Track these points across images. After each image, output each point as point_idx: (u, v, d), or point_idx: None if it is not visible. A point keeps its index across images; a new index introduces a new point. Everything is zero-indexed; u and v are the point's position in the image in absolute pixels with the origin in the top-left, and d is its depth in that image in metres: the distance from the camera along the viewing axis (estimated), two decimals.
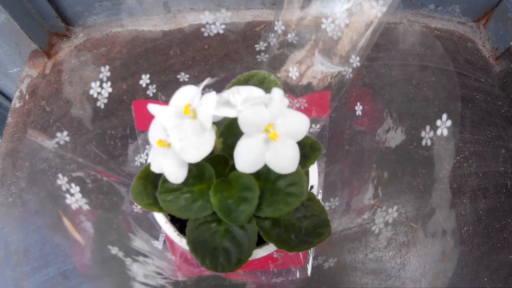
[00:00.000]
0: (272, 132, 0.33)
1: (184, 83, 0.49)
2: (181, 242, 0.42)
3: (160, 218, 0.42)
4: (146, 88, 0.51)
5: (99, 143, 0.58)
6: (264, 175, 0.39)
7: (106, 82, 0.45)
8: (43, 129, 0.61)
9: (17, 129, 0.64)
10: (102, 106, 0.45)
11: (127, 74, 0.62)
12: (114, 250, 0.43)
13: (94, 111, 0.60)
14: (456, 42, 0.77)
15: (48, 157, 0.54)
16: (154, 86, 0.50)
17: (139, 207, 0.42)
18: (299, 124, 0.35)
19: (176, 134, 0.32)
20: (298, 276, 0.51)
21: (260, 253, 0.42)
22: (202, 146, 0.32)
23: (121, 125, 0.59)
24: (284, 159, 0.35)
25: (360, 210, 0.54)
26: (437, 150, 0.61)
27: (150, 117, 0.52)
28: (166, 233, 0.41)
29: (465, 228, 0.57)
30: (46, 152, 0.53)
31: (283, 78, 0.47)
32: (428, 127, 0.62)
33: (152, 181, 0.40)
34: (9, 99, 0.84)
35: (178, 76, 0.52)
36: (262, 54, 0.48)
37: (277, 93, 0.33)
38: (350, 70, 0.45)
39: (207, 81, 0.33)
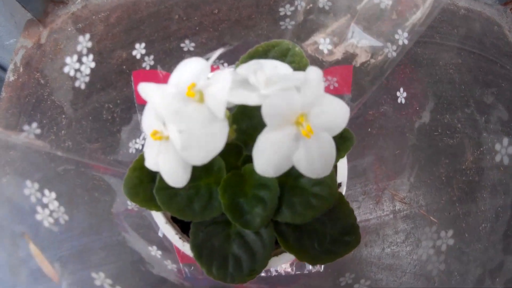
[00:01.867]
0: (306, 126, 0.22)
1: (189, 53, 0.37)
2: (184, 246, 0.32)
3: (159, 218, 0.32)
4: (142, 59, 0.39)
5: (95, 118, 0.47)
6: None
7: (87, 55, 0.33)
8: (37, 103, 0.50)
9: (11, 105, 0.52)
10: (83, 86, 0.34)
11: (127, 41, 0.50)
12: (99, 279, 0.33)
13: (91, 83, 0.48)
14: (483, 24, 0.64)
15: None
16: (152, 57, 0.38)
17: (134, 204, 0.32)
18: (338, 115, 0.24)
19: (176, 124, 0.21)
20: (311, 269, 0.42)
21: (276, 262, 0.32)
22: (211, 142, 0.21)
23: (120, 98, 0.47)
24: (318, 160, 0.24)
25: (380, 199, 0.45)
26: (461, 139, 0.51)
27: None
28: (166, 235, 0.31)
29: (483, 225, 0.48)
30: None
31: (311, 52, 0.35)
32: (456, 113, 0.51)
33: (150, 173, 0.29)
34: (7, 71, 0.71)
35: (182, 45, 0.40)
36: (288, 20, 0.35)
37: (314, 73, 0.22)
38: (395, 48, 0.33)
39: (218, 52, 0.22)
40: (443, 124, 0.49)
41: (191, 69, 0.23)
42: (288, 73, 0.24)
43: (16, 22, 0.59)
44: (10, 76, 0.54)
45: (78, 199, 0.39)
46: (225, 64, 0.38)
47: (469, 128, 0.50)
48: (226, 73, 0.20)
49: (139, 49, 0.39)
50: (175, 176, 0.23)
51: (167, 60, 0.47)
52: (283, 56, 0.31)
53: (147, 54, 0.39)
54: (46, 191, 0.34)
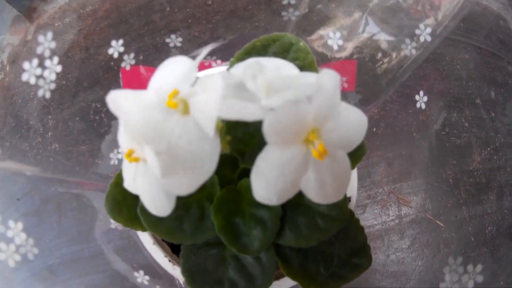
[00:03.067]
0: (318, 145, 0.16)
1: (176, 49, 0.31)
2: (174, 270, 0.27)
3: (146, 239, 0.26)
4: (120, 59, 0.33)
5: (82, 119, 0.41)
6: None
7: (51, 58, 0.27)
8: (23, 103, 0.44)
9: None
10: (47, 95, 0.28)
11: (116, 36, 0.44)
12: None
13: (78, 81, 0.42)
14: (489, 18, 0.58)
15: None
16: (132, 55, 0.32)
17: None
18: (356, 128, 0.19)
19: (154, 143, 0.15)
20: None
21: (278, 287, 0.27)
22: (198, 165, 0.16)
23: None
24: (331, 184, 0.18)
25: (385, 204, 0.40)
26: (468, 139, 0.45)
27: (140, 86, 0.33)
28: (154, 258, 0.26)
29: (489, 228, 0.43)
30: None
31: (317, 47, 0.29)
32: (464, 111, 0.46)
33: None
34: None
35: (168, 40, 0.34)
36: (291, 10, 0.29)
37: (330, 78, 0.16)
38: (415, 44, 0.27)
39: (208, 48, 0.16)
40: (450, 123, 0.43)
41: (173, 72, 0.17)
42: (295, 76, 0.18)
43: (4, 19, 0.52)
44: None
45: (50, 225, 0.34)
46: (218, 61, 0.32)
47: (476, 127, 0.45)
48: (217, 78, 0.14)
49: (116, 47, 0.33)
50: (157, 204, 0.17)
51: (157, 56, 0.41)
52: (285, 52, 0.25)
53: (131, 51, 0.33)
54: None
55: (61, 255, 0.40)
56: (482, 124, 0.45)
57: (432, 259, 0.42)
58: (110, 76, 0.41)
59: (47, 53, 0.28)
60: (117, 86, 0.41)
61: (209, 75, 0.15)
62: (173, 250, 0.28)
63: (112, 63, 0.42)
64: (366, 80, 0.31)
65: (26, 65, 0.35)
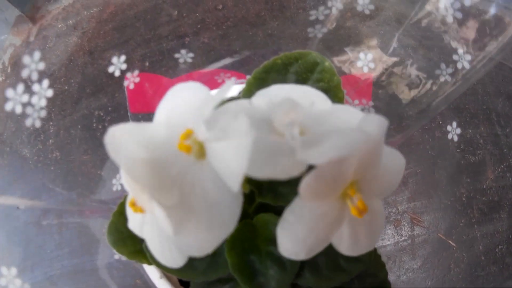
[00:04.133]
0: (357, 201, 0.13)
1: (186, 65, 0.27)
2: None
3: (152, 272, 0.23)
4: (122, 77, 0.29)
5: (85, 127, 0.37)
6: None
7: (40, 81, 0.24)
8: (24, 107, 0.40)
9: None
10: (37, 124, 0.24)
11: (120, 40, 0.40)
12: None
13: (80, 86, 0.38)
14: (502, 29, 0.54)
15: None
16: (136, 72, 0.28)
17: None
18: (395, 174, 0.16)
19: (163, 195, 0.12)
20: None
21: None
22: (217, 221, 0.12)
23: (112, 105, 0.38)
24: (365, 237, 0.15)
25: (398, 224, 0.37)
26: (483, 156, 0.42)
27: (147, 95, 0.29)
28: None
29: (499, 247, 0.40)
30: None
31: (344, 68, 0.25)
32: (479, 127, 0.42)
33: None
34: None
35: (177, 56, 0.30)
36: (318, 27, 0.25)
37: (377, 125, 0.13)
38: (450, 71, 0.24)
39: (230, 83, 0.12)
40: (466, 140, 0.40)
41: (185, 102, 0.14)
42: (327, 112, 0.15)
43: (7, 19, 0.48)
44: None
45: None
46: (233, 78, 0.29)
47: (491, 144, 0.42)
48: (244, 124, 0.11)
49: (117, 64, 0.29)
50: (167, 256, 0.14)
51: (163, 63, 0.37)
52: (308, 72, 0.21)
53: (135, 66, 0.29)
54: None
55: (62, 267, 0.37)
56: (497, 141, 0.42)
57: (442, 279, 0.39)
58: (114, 82, 0.38)
59: (34, 76, 0.25)
60: (121, 93, 0.37)
61: (231, 112, 0.12)
62: (182, 282, 0.25)
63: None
64: (392, 106, 0.27)
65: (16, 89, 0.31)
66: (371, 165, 0.14)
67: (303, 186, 0.11)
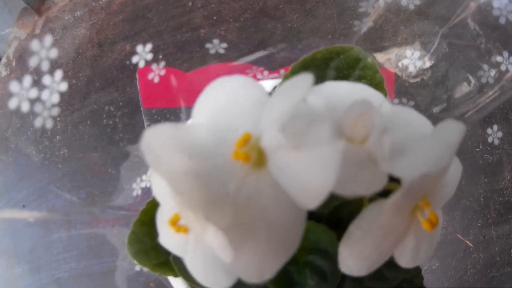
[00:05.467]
0: (429, 214, 0.11)
1: (215, 57, 0.25)
2: None
3: (178, 285, 0.21)
4: (148, 68, 0.27)
5: (94, 123, 0.35)
6: (345, 223, 0.18)
7: (51, 72, 0.21)
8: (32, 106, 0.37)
9: (2, 104, 0.39)
10: (49, 125, 0.22)
11: (132, 32, 0.37)
12: None
13: (89, 80, 0.36)
14: None
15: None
16: (163, 63, 0.26)
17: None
18: (455, 181, 0.14)
19: (216, 215, 0.10)
20: None
21: None
22: (279, 241, 0.10)
23: (123, 100, 0.35)
24: (426, 250, 0.13)
25: None
26: (500, 156, 0.41)
27: (160, 90, 0.28)
28: None
29: None
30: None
31: (388, 66, 0.23)
32: (497, 127, 0.41)
33: None
34: None
35: (208, 46, 0.27)
36: (364, 20, 0.23)
37: (455, 132, 0.11)
38: (493, 73, 0.22)
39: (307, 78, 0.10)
40: (484, 140, 0.38)
41: (235, 101, 0.12)
42: (389, 114, 0.13)
43: (11, 11, 0.45)
44: (2, 71, 0.41)
45: None
46: (265, 72, 0.26)
47: (508, 144, 0.40)
48: (326, 128, 0.09)
49: (142, 54, 0.26)
50: (211, 280, 0.12)
51: (178, 55, 0.35)
52: (350, 68, 0.19)
53: (156, 60, 0.27)
54: None
55: (70, 269, 0.35)
56: None
57: (459, 279, 0.38)
58: (125, 76, 0.35)
59: (45, 67, 0.22)
60: (133, 88, 0.35)
61: (305, 116, 0.10)
62: None
63: (127, 62, 0.35)
64: (432, 107, 0.25)
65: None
66: (443, 176, 0.12)
67: (392, 203, 0.09)
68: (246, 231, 0.10)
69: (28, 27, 0.42)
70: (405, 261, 0.13)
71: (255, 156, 0.11)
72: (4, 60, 0.43)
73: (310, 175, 0.09)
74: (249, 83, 0.12)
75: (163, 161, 0.11)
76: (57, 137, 0.36)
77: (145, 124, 0.34)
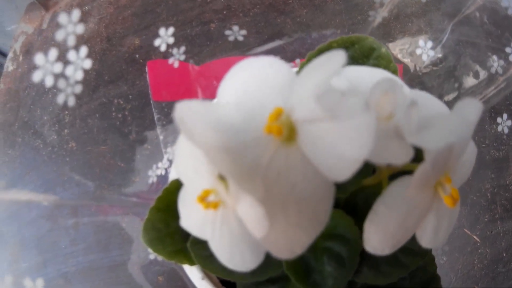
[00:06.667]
0: (450, 190, 0.12)
1: (233, 44, 0.26)
2: None
3: (193, 273, 0.21)
4: (167, 52, 0.27)
5: (103, 116, 0.35)
6: (361, 209, 0.19)
7: (77, 48, 0.22)
8: (37, 96, 0.37)
9: (9, 98, 0.40)
10: (71, 102, 0.22)
11: (141, 26, 0.38)
12: None
13: (98, 74, 0.36)
14: None
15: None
16: (183, 48, 0.26)
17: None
18: (471, 162, 0.15)
19: (251, 187, 0.10)
20: None
21: None
22: (309, 217, 0.11)
23: (132, 93, 0.36)
24: (445, 229, 0.14)
25: None
26: (506, 151, 0.42)
27: (170, 83, 0.28)
28: None
29: None
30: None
31: (399, 57, 0.24)
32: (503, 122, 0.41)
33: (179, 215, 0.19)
34: None
35: (228, 32, 0.28)
36: (378, 9, 0.24)
37: (474, 109, 0.11)
38: (502, 63, 0.22)
39: (333, 68, 0.10)
40: (490, 135, 0.39)
41: (265, 79, 0.12)
42: (422, 103, 0.13)
43: (18, 6, 0.45)
44: (9, 66, 0.41)
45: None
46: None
47: None
48: (357, 101, 0.09)
49: (164, 37, 0.26)
50: (238, 259, 0.12)
51: (188, 49, 0.35)
52: (364, 57, 0.20)
53: (176, 44, 0.27)
54: None
55: (77, 263, 0.35)
56: None
57: (466, 274, 0.38)
58: (135, 69, 0.36)
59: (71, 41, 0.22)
60: (142, 81, 0.35)
61: (333, 91, 0.10)
62: (224, 282, 0.23)
63: (137, 55, 0.36)
64: (442, 98, 0.26)
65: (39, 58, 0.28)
66: (463, 152, 0.12)
67: (419, 175, 0.10)
68: (276, 206, 0.11)
69: (35, 22, 0.42)
70: (426, 240, 0.14)
71: (286, 131, 0.11)
72: (11, 54, 0.43)
73: (345, 145, 0.09)
74: (276, 62, 0.12)
75: (195, 136, 0.11)
76: (65, 130, 0.36)
77: (155, 117, 0.34)
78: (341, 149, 0.09)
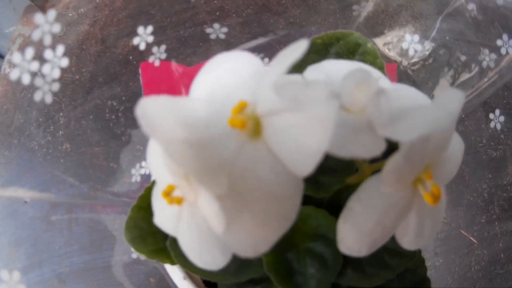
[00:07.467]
0: (431, 187, 0.11)
1: (217, 42, 0.25)
2: None
3: (175, 272, 0.21)
4: (149, 50, 0.27)
5: (97, 117, 0.35)
6: None
7: (53, 47, 0.21)
8: (33, 99, 0.37)
9: (6, 100, 0.40)
10: (48, 99, 0.21)
11: (135, 28, 0.37)
12: None
13: (92, 76, 0.36)
14: None
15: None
16: (164, 47, 0.26)
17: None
18: (457, 157, 0.14)
19: (212, 184, 0.10)
20: None
21: None
22: (277, 214, 0.10)
23: (126, 95, 0.36)
24: (429, 228, 0.13)
25: None
26: (503, 151, 0.40)
27: (163, 85, 0.28)
28: None
29: None
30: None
31: (387, 52, 0.23)
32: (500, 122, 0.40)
33: None
34: None
35: (209, 30, 0.27)
36: (363, 3, 0.23)
37: (456, 99, 0.10)
38: (494, 56, 0.22)
39: (294, 55, 0.10)
40: (487, 135, 0.38)
41: (234, 73, 0.12)
42: (391, 90, 0.13)
43: (15, 9, 0.45)
44: (6, 68, 0.41)
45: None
46: (265, 60, 0.26)
47: (511, 139, 0.40)
48: (321, 88, 0.08)
49: (143, 35, 0.26)
50: (206, 258, 0.12)
51: (181, 50, 0.35)
52: (350, 53, 0.19)
53: (157, 43, 0.27)
54: None
55: (71, 264, 0.34)
56: None
57: (463, 276, 0.37)
58: (128, 71, 0.35)
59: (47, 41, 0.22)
60: (136, 82, 0.35)
61: (298, 83, 0.09)
62: (207, 283, 0.22)
63: (130, 57, 0.36)
64: (430, 94, 0.25)
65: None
66: (444, 146, 0.12)
67: (390, 168, 0.09)
68: (241, 201, 0.10)
69: (32, 24, 0.42)
70: (407, 241, 0.13)
71: (252, 125, 0.10)
72: (8, 57, 0.43)
73: (306, 137, 0.08)
74: (247, 57, 0.12)
75: (159, 129, 0.10)
76: (60, 132, 0.36)
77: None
78: (302, 142, 0.09)
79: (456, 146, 0.14)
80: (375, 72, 0.14)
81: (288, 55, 0.09)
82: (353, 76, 0.10)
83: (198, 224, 0.11)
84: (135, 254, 0.29)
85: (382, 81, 0.13)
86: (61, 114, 0.36)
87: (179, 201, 0.11)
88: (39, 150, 0.36)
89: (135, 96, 0.35)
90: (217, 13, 0.34)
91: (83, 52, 0.37)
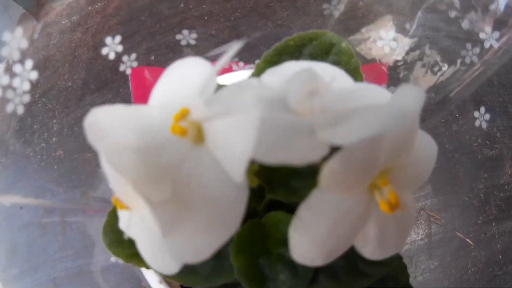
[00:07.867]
0: (388, 194, 0.10)
1: (189, 48, 0.25)
2: None
3: (151, 277, 0.21)
4: (118, 60, 0.27)
5: None
6: None
7: (22, 61, 0.21)
8: (27, 106, 0.38)
9: (2, 107, 0.40)
10: (20, 110, 0.22)
11: (126, 34, 0.38)
12: None
13: (84, 83, 0.36)
14: None
15: None
16: (134, 55, 0.26)
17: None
18: (428, 160, 0.13)
19: (152, 189, 0.09)
20: None
21: None
22: (218, 220, 0.10)
23: (117, 101, 0.36)
24: (393, 238, 0.12)
25: (415, 222, 0.34)
26: (500, 150, 0.39)
27: (148, 89, 0.27)
28: None
29: None
30: None
31: (361, 50, 0.22)
32: (496, 120, 0.39)
33: None
34: None
35: (179, 37, 0.27)
36: (334, 3, 0.22)
37: (414, 97, 0.10)
38: (477, 51, 0.21)
39: (233, 51, 0.09)
40: (483, 134, 0.36)
41: (184, 79, 0.11)
42: (351, 90, 0.12)
43: (11, 17, 0.46)
44: (1, 76, 0.42)
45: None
46: (240, 64, 0.26)
47: (508, 138, 0.38)
48: (248, 93, 0.08)
49: (112, 46, 0.26)
50: (160, 262, 0.12)
51: (170, 56, 0.35)
52: (324, 54, 0.18)
53: (133, 49, 0.27)
54: None
55: (65, 268, 0.34)
56: None
57: (460, 279, 0.36)
58: (119, 78, 0.35)
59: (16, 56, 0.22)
60: (126, 89, 0.35)
61: (234, 86, 0.09)
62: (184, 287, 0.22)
63: (121, 63, 0.36)
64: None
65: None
66: (404, 148, 0.11)
67: (326, 173, 0.09)
68: (185, 207, 0.10)
69: (27, 32, 0.43)
70: (369, 251, 0.12)
71: (194, 132, 0.10)
72: (4, 64, 0.44)
73: (234, 142, 0.08)
74: (197, 62, 0.12)
75: (103, 137, 0.10)
76: (53, 138, 0.36)
77: None
78: (232, 147, 0.08)
79: (426, 148, 0.13)
80: (339, 74, 0.13)
81: (223, 60, 0.09)
82: (298, 77, 0.10)
83: (148, 229, 0.11)
84: (113, 258, 0.29)
85: (343, 81, 0.13)
86: (55, 121, 0.36)
87: (126, 208, 0.10)
88: (34, 156, 0.37)
89: (125, 103, 0.35)
90: (206, 18, 0.33)
91: (76, 60, 0.38)
